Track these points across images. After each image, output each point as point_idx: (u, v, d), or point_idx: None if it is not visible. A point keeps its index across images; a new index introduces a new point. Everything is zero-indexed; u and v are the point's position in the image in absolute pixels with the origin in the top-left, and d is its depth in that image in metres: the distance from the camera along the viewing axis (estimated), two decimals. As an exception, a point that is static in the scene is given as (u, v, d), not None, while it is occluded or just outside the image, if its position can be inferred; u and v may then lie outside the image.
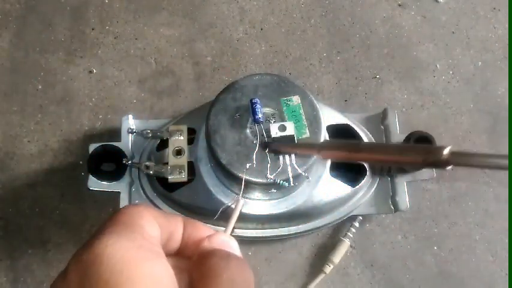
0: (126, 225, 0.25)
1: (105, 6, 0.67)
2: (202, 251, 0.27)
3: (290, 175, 0.40)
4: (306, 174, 0.41)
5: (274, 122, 0.43)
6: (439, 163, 0.23)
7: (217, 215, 0.42)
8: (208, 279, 0.24)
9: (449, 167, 0.23)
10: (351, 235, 0.55)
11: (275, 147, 0.40)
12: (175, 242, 0.29)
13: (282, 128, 0.41)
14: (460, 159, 0.23)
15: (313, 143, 0.38)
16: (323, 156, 0.33)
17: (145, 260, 0.23)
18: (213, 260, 0.26)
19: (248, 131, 0.43)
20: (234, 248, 0.29)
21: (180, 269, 0.26)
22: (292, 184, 0.40)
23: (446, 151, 0.23)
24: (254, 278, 0.26)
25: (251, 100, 0.43)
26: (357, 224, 0.55)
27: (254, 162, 0.41)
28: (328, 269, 0.54)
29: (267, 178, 0.40)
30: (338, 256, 0.54)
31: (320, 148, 0.33)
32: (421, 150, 0.25)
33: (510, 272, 0.57)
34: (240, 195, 0.39)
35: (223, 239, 0.29)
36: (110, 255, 0.22)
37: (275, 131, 0.41)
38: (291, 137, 0.41)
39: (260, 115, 0.42)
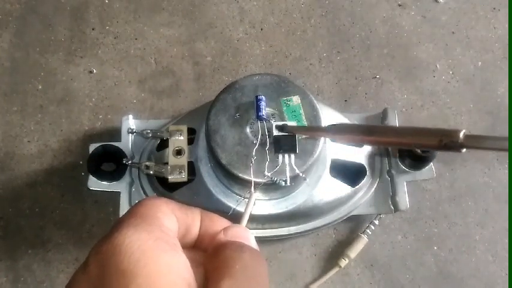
0: (144, 218, 0.25)
1: (105, 6, 0.67)
2: (217, 244, 0.27)
3: (288, 174, 0.40)
4: (304, 175, 0.41)
5: (275, 121, 0.43)
6: (454, 145, 0.23)
7: (231, 211, 0.42)
8: (221, 270, 0.25)
9: (463, 150, 0.23)
10: (370, 232, 0.55)
11: (290, 129, 0.40)
12: (193, 235, 0.29)
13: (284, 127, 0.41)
14: (475, 142, 0.23)
15: (327, 126, 0.38)
16: (337, 139, 0.33)
17: (162, 251, 0.23)
18: (226, 252, 0.26)
19: (248, 130, 0.43)
20: (248, 239, 0.29)
21: (196, 261, 0.26)
22: (289, 184, 0.40)
23: (461, 134, 0.23)
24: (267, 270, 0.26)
25: (256, 96, 0.43)
26: (376, 222, 0.55)
27: (254, 156, 0.41)
28: (344, 263, 0.54)
29: (265, 176, 0.40)
30: (354, 251, 0.54)
31: (334, 131, 0.33)
32: (436, 133, 0.24)
33: (510, 272, 0.57)
34: (252, 188, 0.39)
35: (237, 231, 0.29)
36: (128, 246, 0.23)
37: (276, 130, 0.41)
38: (293, 137, 0.41)
39: (264, 112, 0.42)
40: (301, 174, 0.41)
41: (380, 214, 0.55)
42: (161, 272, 0.22)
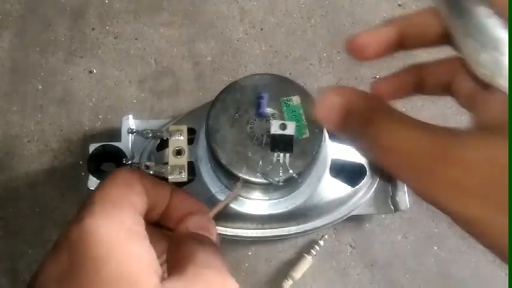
0: (115, 203, 0.26)
1: (105, 7, 0.67)
2: (179, 235, 0.28)
3: (281, 173, 0.40)
4: (296, 176, 0.41)
5: (274, 119, 0.43)
6: None
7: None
8: (184, 259, 0.25)
9: None
10: (314, 252, 0.55)
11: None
12: (159, 211, 0.30)
13: (283, 127, 0.41)
14: None
15: None
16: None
17: (131, 241, 0.24)
18: (187, 245, 0.27)
19: (248, 130, 0.43)
20: (210, 230, 0.29)
21: (160, 240, 0.28)
22: (282, 183, 0.40)
23: None
24: (227, 265, 0.27)
25: (259, 93, 0.43)
26: (321, 243, 0.55)
27: (249, 153, 0.41)
28: (287, 284, 0.54)
29: (257, 172, 0.40)
30: (299, 272, 0.54)
31: None
32: None
33: (510, 272, 0.57)
34: (239, 182, 0.39)
35: (199, 222, 0.29)
36: (98, 235, 0.24)
37: (275, 129, 0.41)
38: (290, 137, 0.41)
39: (264, 109, 0.42)
40: (294, 175, 0.41)
41: (324, 235, 0.55)
42: (131, 260, 0.23)
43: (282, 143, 0.41)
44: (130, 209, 0.26)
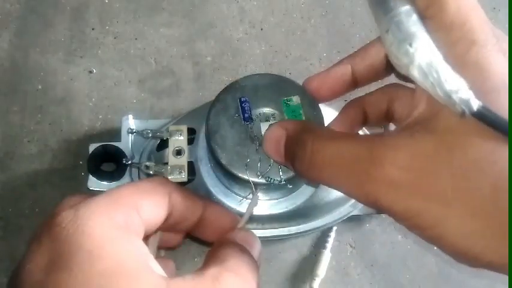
0: (112, 201, 0.26)
1: (105, 7, 0.67)
2: (221, 241, 0.29)
3: (280, 173, 0.40)
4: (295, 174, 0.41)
5: (266, 121, 0.43)
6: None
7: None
8: (216, 259, 0.26)
9: None
10: (330, 245, 0.55)
11: None
12: (188, 224, 0.30)
13: None
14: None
15: None
16: None
17: (122, 239, 0.24)
18: (226, 248, 0.28)
19: (248, 131, 0.43)
20: (253, 246, 0.30)
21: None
22: (283, 183, 0.40)
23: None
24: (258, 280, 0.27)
25: (240, 99, 0.43)
26: (333, 234, 0.55)
27: (248, 159, 0.41)
28: (315, 283, 0.53)
29: (258, 175, 0.40)
30: (323, 269, 0.54)
31: None
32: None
33: (510, 272, 0.57)
34: (252, 188, 0.40)
35: (246, 236, 0.30)
36: (90, 230, 0.24)
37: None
38: None
39: (249, 113, 0.42)
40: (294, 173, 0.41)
41: (334, 226, 0.55)
42: (125, 257, 0.23)
43: None
44: (128, 208, 0.26)
